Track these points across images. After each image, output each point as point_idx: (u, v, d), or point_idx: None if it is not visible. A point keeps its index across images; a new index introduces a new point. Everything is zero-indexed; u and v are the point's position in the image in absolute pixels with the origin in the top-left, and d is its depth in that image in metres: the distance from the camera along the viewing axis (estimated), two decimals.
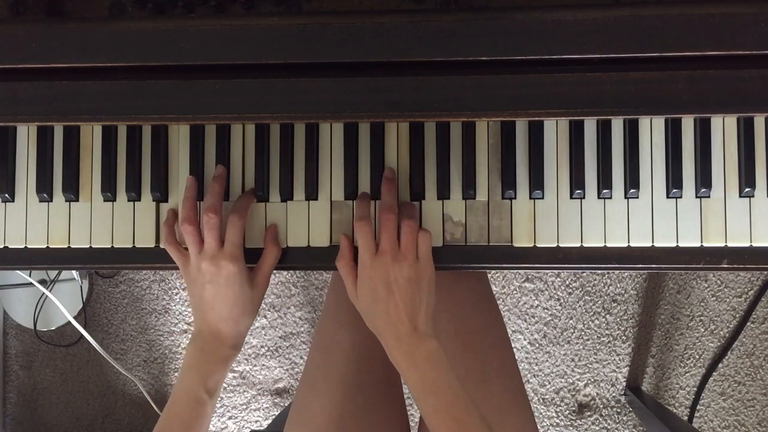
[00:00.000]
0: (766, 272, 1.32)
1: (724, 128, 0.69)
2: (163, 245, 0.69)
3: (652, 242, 0.68)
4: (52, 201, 0.72)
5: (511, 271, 1.35)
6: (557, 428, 1.37)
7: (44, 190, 0.72)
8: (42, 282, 1.32)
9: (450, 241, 0.69)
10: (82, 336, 1.35)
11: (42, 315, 1.38)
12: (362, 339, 0.76)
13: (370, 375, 0.75)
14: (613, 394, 1.36)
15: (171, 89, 0.62)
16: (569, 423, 1.37)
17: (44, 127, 0.72)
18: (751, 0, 0.58)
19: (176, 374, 1.41)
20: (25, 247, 0.72)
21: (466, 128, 0.69)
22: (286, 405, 1.37)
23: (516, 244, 0.69)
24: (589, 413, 1.36)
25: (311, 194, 0.70)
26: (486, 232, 0.69)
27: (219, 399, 1.39)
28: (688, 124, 0.69)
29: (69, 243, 0.72)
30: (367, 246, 0.64)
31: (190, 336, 1.40)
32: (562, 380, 1.36)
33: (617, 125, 0.69)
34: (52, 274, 1.35)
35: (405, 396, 0.81)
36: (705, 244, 0.68)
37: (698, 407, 1.35)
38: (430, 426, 0.60)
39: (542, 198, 0.69)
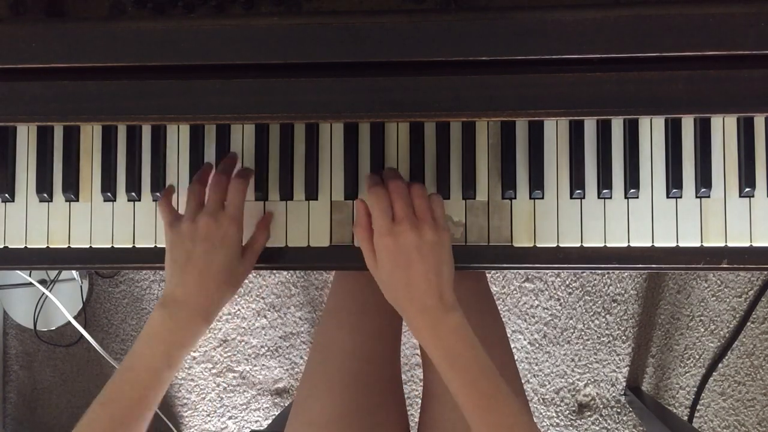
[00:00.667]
0: (766, 272, 1.32)
1: (724, 128, 0.69)
2: (158, 202, 0.68)
3: (652, 242, 0.68)
4: (52, 201, 0.72)
5: (511, 271, 1.35)
6: (557, 428, 1.37)
7: (44, 190, 0.72)
8: (42, 282, 1.32)
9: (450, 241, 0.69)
10: (82, 336, 1.35)
11: (42, 315, 1.38)
12: (363, 339, 0.76)
13: (371, 375, 0.75)
14: (613, 394, 1.36)
15: (171, 89, 0.62)
16: (569, 423, 1.37)
17: (44, 127, 0.72)
18: (751, 0, 0.58)
19: (175, 374, 1.41)
20: (25, 247, 0.72)
21: (466, 128, 0.69)
22: (286, 405, 1.37)
23: (516, 244, 0.69)
24: (589, 413, 1.36)
25: (311, 194, 0.70)
26: (486, 232, 0.69)
27: (219, 399, 1.39)
28: (688, 124, 0.69)
29: (69, 243, 0.72)
30: (384, 213, 0.61)
31: None
32: (562, 380, 1.36)
33: (617, 125, 0.69)
34: (52, 274, 1.35)
35: (405, 395, 0.81)
36: (705, 244, 0.68)
37: (698, 407, 1.35)
38: (459, 401, 0.58)
39: (542, 198, 0.69)
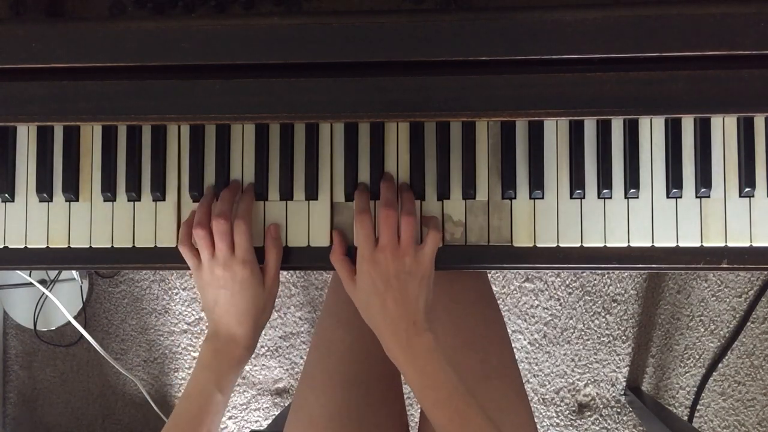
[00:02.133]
0: (766, 272, 1.31)
1: (724, 128, 0.69)
2: (179, 246, 0.69)
3: (652, 242, 0.68)
4: (52, 201, 0.72)
5: (511, 271, 1.35)
6: (557, 428, 1.37)
7: (44, 190, 0.72)
8: (42, 282, 1.32)
9: (450, 241, 0.69)
10: (82, 336, 1.35)
11: (42, 315, 1.38)
12: (361, 337, 0.76)
13: (370, 373, 0.76)
14: (613, 394, 1.36)
15: (171, 89, 0.62)
16: (569, 423, 1.37)
17: (44, 127, 0.72)
18: (751, 0, 0.58)
19: (176, 374, 1.41)
20: (25, 247, 0.72)
21: (466, 128, 0.69)
22: (286, 405, 1.37)
23: (516, 244, 0.69)
24: (589, 413, 1.36)
25: (311, 194, 0.70)
26: (486, 232, 0.69)
27: None
28: (688, 124, 0.69)
29: (69, 243, 0.72)
30: (368, 239, 0.64)
31: (190, 336, 1.40)
32: (562, 380, 1.36)
33: (617, 125, 0.69)
34: (52, 274, 1.35)
35: (405, 394, 0.81)
36: (705, 244, 0.68)
37: (698, 407, 1.35)
38: (431, 418, 0.60)
39: (542, 198, 0.69)
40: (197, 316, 1.40)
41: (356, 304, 0.66)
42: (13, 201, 0.73)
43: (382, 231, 0.64)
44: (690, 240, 0.68)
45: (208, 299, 0.69)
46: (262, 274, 0.69)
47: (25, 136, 0.73)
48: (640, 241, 0.68)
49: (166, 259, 0.71)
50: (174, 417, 0.67)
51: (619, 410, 1.36)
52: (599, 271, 1.35)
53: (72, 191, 0.72)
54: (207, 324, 0.73)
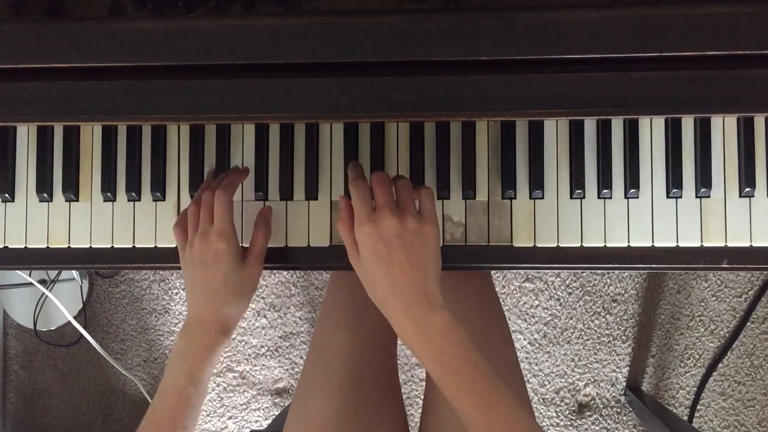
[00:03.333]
0: (766, 272, 1.31)
1: (724, 128, 0.69)
2: (174, 228, 0.68)
3: (652, 242, 0.68)
4: (52, 201, 0.72)
5: (511, 271, 1.35)
6: (557, 428, 1.37)
7: (44, 190, 0.72)
8: (42, 282, 1.32)
9: (450, 241, 0.69)
10: (82, 336, 1.35)
11: (42, 315, 1.38)
12: (361, 339, 0.76)
13: (369, 375, 0.75)
14: (613, 394, 1.36)
15: (171, 89, 0.62)
16: (569, 423, 1.37)
17: (44, 127, 0.72)
18: (751, 0, 0.58)
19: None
20: (25, 247, 0.72)
21: (466, 128, 0.69)
22: (286, 405, 1.37)
23: (516, 244, 0.69)
24: (589, 413, 1.36)
25: (311, 194, 0.70)
26: (486, 232, 0.69)
27: (219, 399, 1.39)
28: (688, 124, 0.69)
29: (69, 243, 0.72)
30: (364, 201, 0.59)
31: None
32: (562, 380, 1.36)
33: (617, 125, 0.69)
34: (52, 274, 1.35)
35: (404, 395, 0.81)
36: (705, 244, 0.68)
37: (698, 407, 1.35)
38: (455, 406, 0.56)
39: (542, 198, 0.69)
40: None
41: (361, 281, 0.61)
42: (13, 201, 0.73)
43: (377, 191, 0.60)
44: (690, 240, 0.68)
45: (187, 279, 0.66)
46: (242, 253, 0.66)
47: (25, 136, 0.73)
48: (640, 241, 0.68)
49: (166, 259, 0.71)
50: (150, 413, 0.63)
51: (619, 410, 1.36)
52: (599, 271, 1.34)
53: (72, 191, 0.72)
54: None
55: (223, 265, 0.64)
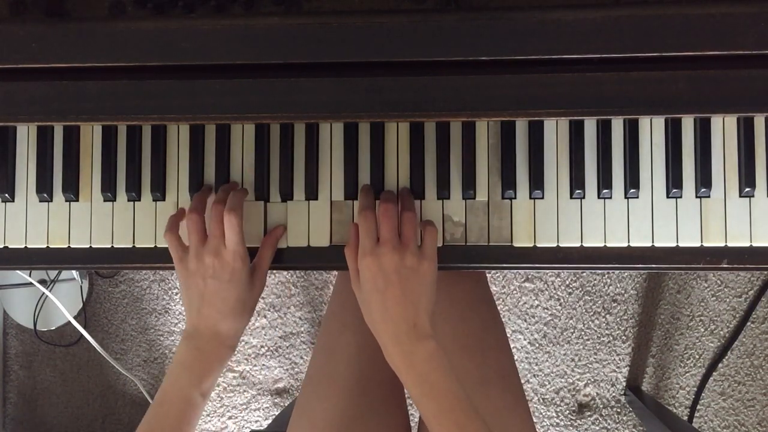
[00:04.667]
0: (766, 272, 1.31)
1: (724, 128, 0.69)
2: (165, 234, 0.67)
3: (652, 242, 0.68)
4: (52, 201, 0.72)
5: (511, 271, 1.35)
6: (557, 428, 1.37)
7: (44, 190, 0.72)
8: (42, 282, 1.32)
9: (450, 241, 0.69)
10: (82, 336, 1.35)
11: (42, 315, 1.38)
12: (366, 341, 0.76)
13: (374, 378, 0.75)
14: (613, 394, 1.36)
15: (171, 89, 0.62)
16: (569, 423, 1.37)
17: (44, 127, 0.72)
18: (751, 0, 0.58)
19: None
20: (25, 247, 0.72)
21: (466, 128, 0.69)
22: (286, 405, 1.37)
23: (516, 244, 0.69)
24: (589, 413, 1.36)
25: (311, 194, 0.70)
26: (486, 232, 0.69)
27: (219, 399, 1.39)
28: (688, 124, 0.69)
29: (69, 243, 0.72)
30: (369, 234, 0.63)
31: None
32: (562, 380, 1.36)
33: (617, 125, 0.69)
34: (52, 274, 1.35)
35: (406, 397, 0.81)
36: (705, 244, 0.68)
37: (698, 407, 1.35)
38: (430, 429, 0.59)
39: (542, 198, 0.69)
40: None
41: (359, 303, 0.65)
42: (13, 201, 0.73)
43: (383, 225, 0.63)
44: (690, 240, 0.68)
45: (191, 292, 0.66)
46: (250, 272, 0.67)
47: (25, 136, 0.73)
48: (640, 241, 0.68)
49: (166, 259, 0.71)
50: (149, 423, 0.63)
51: (619, 410, 1.36)
52: (599, 271, 1.34)
53: (72, 191, 0.72)
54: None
55: (237, 283, 0.65)
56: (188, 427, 0.64)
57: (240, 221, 0.65)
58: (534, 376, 1.37)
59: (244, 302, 0.67)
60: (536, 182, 0.68)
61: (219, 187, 0.70)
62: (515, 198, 0.69)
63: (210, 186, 0.71)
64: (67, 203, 0.72)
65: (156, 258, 0.71)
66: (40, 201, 0.72)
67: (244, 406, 1.40)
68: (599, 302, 1.35)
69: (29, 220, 0.72)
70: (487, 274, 1.08)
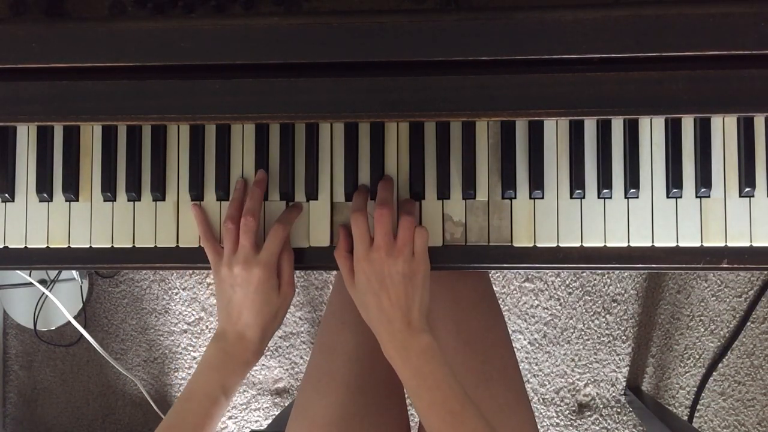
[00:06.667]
0: (766, 272, 1.31)
1: (724, 128, 0.69)
2: (201, 243, 0.70)
3: (652, 242, 0.68)
4: (52, 201, 0.72)
5: (511, 271, 1.35)
6: (557, 428, 1.37)
7: (44, 190, 0.72)
8: (42, 282, 1.32)
9: (450, 241, 0.69)
10: (82, 336, 1.35)
11: (42, 315, 1.38)
12: (365, 340, 0.76)
13: (373, 376, 0.75)
14: (613, 394, 1.36)
15: (171, 89, 0.62)
16: (569, 423, 1.37)
17: (44, 127, 0.72)
18: (751, 0, 0.58)
19: (176, 374, 1.41)
20: (25, 247, 0.72)
21: (466, 128, 0.69)
22: (286, 405, 1.37)
23: (516, 244, 0.69)
24: (589, 413, 1.36)
25: (311, 194, 0.70)
26: (486, 232, 0.69)
27: None
28: (688, 124, 0.69)
29: (69, 243, 0.72)
30: (362, 238, 0.64)
31: (190, 336, 1.40)
32: (562, 380, 1.36)
33: (617, 125, 0.69)
34: (52, 274, 1.35)
35: (406, 396, 0.81)
36: (705, 244, 0.68)
37: (698, 407, 1.35)
38: (425, 421, 0.60)
39: (542, 198, 0.69)
40: (197, 316, 1.40)
41: (355, 303, 0.67)
42: (13, 201, 0.73)
43: (376, 230, 0.64)
44: (690, 240, 0.68)
45: (222, 296, 0.68)
46: (278, 281, 0.68)
47: (25, 136, 0.73)
48: (640, 241, 0.68)
49: (166, 259, 0.71)
50: (174, 417, 0.65)
51: (619, 410, 1.36)
52: (599, 271, 1.35)
53: (72, 191, 0.72)
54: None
55: (264, 295, 0.67)
56: (210, 425, 0.65)
57: (286, 235, 0.68)
58: (534, 376, 1.37)
59: (268, 312, 0.68)
60: (536, 182, 0.69)
61: (220, 188, 0.70)
62: (515, 198, 0.69)
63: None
64: (67, 203, 0.72)
65: (156, 258, 0.71)
66: (40, 201, 0.72)
67: (244, 406, 1.41)
68: (599, 302, 1.35)
69: (29, 220, 0.72)
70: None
